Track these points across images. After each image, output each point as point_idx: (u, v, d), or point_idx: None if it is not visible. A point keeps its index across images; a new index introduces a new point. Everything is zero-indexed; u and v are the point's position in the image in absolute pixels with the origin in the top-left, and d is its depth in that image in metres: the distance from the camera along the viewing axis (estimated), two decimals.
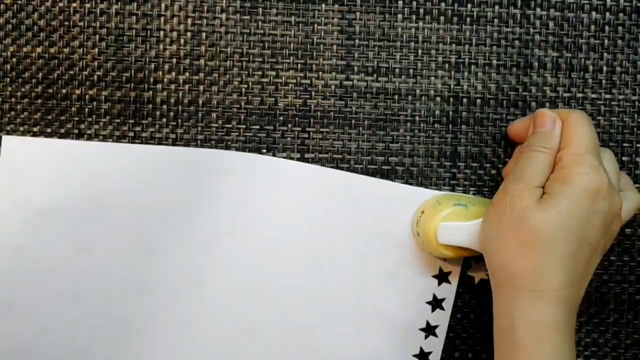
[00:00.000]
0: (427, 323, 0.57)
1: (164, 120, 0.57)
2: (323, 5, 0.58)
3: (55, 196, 0.56)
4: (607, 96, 0.58)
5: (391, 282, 0.57)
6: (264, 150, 0.58)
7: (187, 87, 0.57)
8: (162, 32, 0.57)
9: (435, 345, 0.57)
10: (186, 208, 0.56)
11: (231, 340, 0.57)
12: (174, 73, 0.57)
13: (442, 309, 0.57)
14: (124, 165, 0.56)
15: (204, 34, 0.57)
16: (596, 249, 0.50)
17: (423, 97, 0.58)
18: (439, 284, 0.57)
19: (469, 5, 0.58)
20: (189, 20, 0.57)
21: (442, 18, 0.58)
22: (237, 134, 0.58)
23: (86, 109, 0.57)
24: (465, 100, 0.58)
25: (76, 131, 0.57)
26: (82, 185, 0.56)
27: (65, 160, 0.56)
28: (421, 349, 0.57)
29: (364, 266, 0.57)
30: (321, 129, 0.58)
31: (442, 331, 0.57)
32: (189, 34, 0.57)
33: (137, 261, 0.56)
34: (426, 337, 0.57)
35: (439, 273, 0.57)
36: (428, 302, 0.57)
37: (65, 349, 0.56)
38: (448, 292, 0.57)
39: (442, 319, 0.57)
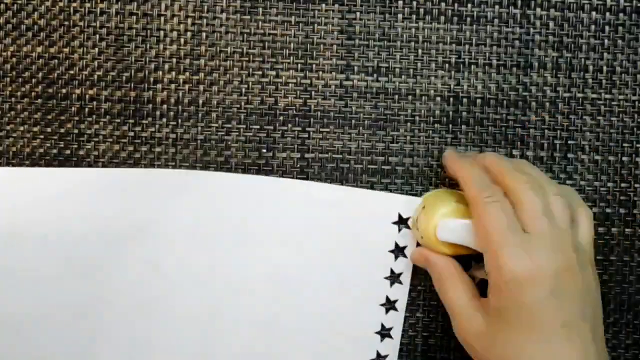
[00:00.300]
0: (387, 298, 0.57)
1: (164, 120, 0.57)
2: (323, 5, 0.58)
3: (5, 221, 0.56)
4: (607, 96, 0.58)
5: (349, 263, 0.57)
6: (264, 150, 0.57)
7: (187, 87, 0.57)
8: (162, 32, 0.57)
9: (396, 321, 0.57)
10: (139, 231, 0.56)
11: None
12: (174, 73, 0.57)
13: (400, 283, 0.57)
14: (79, 189, 0.56)
15: (204, 34, 0.57)
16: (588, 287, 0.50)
17: (423, 97, 0.58)
18: (396, 258, 0.57)
19: (469, 5, 0.58)
20: (189, 20, 0.57)
21: (442, 18, 0.58)
22: (237, 134, 0.58)
23: (86, 109, 0.57)
24: (465, 100, 0.58)
25: (76, 131, 0.57)
26: (31, 211, 0.56)
27: (14, 187, 0.56)
28: (382, 325, 0.57)
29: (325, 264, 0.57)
30: (321, 129, 0.58)
31: (401, 305, 0.57)
32: (189, 34, 0.57)
33: (80, 285, 0.56)
34: (387, 311, 0.57)
35: (394, 248, 0.57)
36: (386, 278, 0.57)
37: None
38: (404, 266, 0.57)
39: (400, 293, 0.57)
